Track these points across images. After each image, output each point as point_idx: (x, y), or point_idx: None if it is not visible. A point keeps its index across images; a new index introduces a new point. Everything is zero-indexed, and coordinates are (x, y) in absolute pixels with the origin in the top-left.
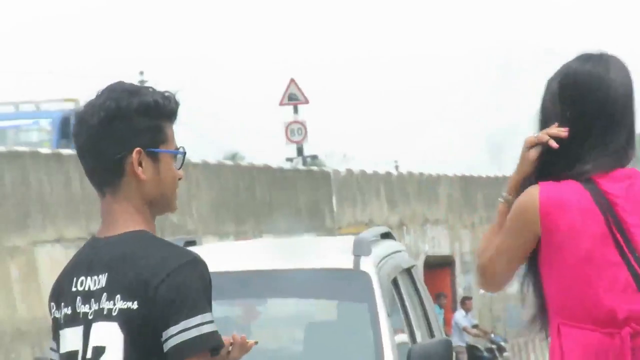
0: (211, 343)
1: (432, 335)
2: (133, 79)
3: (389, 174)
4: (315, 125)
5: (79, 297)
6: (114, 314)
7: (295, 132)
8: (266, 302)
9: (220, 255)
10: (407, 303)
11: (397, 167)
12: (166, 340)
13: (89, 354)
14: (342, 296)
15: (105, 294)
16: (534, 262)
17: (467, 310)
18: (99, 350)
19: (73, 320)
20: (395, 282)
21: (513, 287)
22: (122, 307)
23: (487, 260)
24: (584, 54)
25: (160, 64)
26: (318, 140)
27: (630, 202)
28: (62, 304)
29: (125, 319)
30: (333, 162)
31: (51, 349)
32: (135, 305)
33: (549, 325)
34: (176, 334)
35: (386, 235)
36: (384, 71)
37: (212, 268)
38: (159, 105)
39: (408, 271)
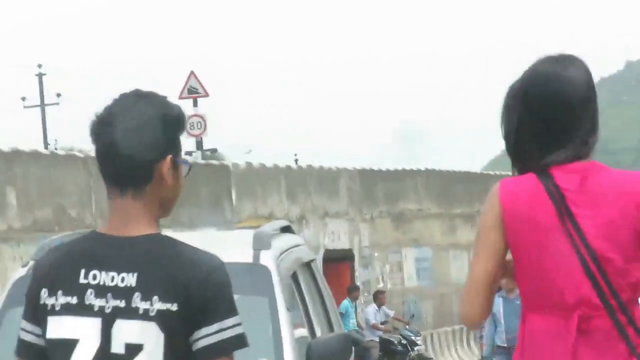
0: (243, 344)
1: (331, 329)
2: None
3: (289, 167)
4: (215, 118)
5: (90, 290)
6: (152, 314)
7: (195, 125)
8: None
9: None
10: (306, 297)
11: (296, 161)
12: (201, 338)
13: (117, 349)
14: (241, 290)
15: (138, 293)
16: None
17: (381, 304)
18: (135, 348)
19: (80, 310)
20: (295, 276)
21: (412, 281)
22: (161, 308)
23: (474, 282)
24: (545, 56)
25: (61, 54)
26: (218, 133)
27: (583, 194)
28: (60, 291)
29: (164, 320)
30: (237, 155)
31: (24, 329)
32: (175, 307)
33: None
34: (212, 334)
35: (286, 229)
36: (285, 66)
37: None
38: (184, 119)
39: (308, 265)
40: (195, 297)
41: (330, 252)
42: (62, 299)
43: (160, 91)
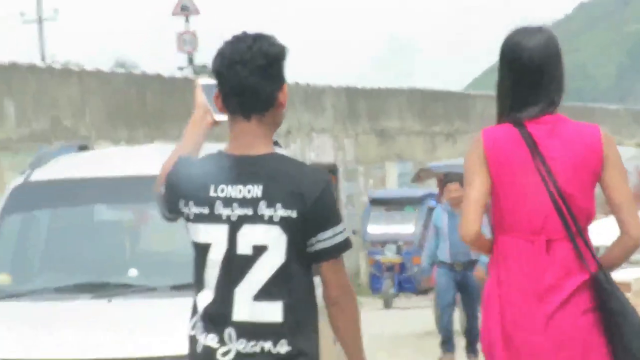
0: (350, 246)
1: None
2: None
3: None
4: (206, 35)
5: (218, 201)
6: (275, 220)
7: (187, 42)
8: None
9: (112, 160)
10: None
11: None
12: (318, 242)
13: (243, 250)
14: None
15: (263, 201)
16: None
17: None
18: (260, 248)
19: (208, 219)
20: None
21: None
22: (284, 214)
23: (469, 214)
24: (518, 28)
25: None
26: (209, 50)
27: (552, 140)
28: (192, 202)
29: (286, 224)
30: None
31: (166, 217)
32: (295, 214)
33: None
34: (329, 238)
35: (274, 143)
36: None
37: (104, 172)
38: (287, 53)
39: None
40: (312, 207)
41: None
42: (194, 209)
43: (154, 7)
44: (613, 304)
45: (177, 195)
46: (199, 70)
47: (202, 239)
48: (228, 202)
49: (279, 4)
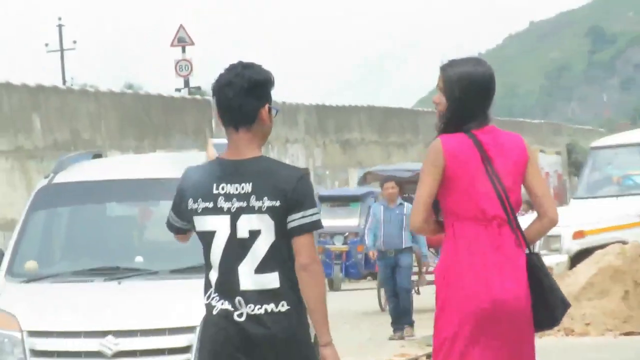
0: (319, 226)
1: None
2: (51, 22)
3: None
4: (199, 62)
5: (220, 197)
6: (264, 209)
7: (183, 67)
8: (159, 204)
9: (122, 165)
10: None
11: None
12: (292, 221)
13: (242, 234)
14: None
15: (253, 195)
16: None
17: None
18: (255, 233)
19: (213, 211)
20: None
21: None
22: (269, 205)
23: (420, 204)
24: (469, 58)
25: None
26: (203, 74)
27: (495, 146)
28: (200, 199)
29: (272, 212)
30: None
31: (174, 220)
32: (278, 203)
33: (444, 223)
34: (300, 218)
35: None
36: (259, 18)
37: (115, 176)
38: (273, 80)
39: None
40: (290, 196)
41: None
42: (202, 205)
43: (156, 39)
44: (544, 280)
45: (187, 197)
46: (194, 92)
47: (208, 227)
48: (228, 197)
49: (261, 34)
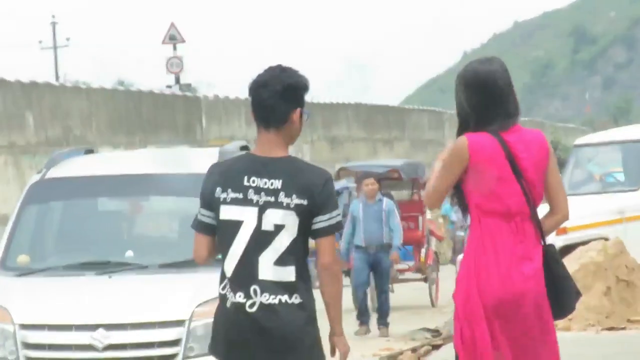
0: (340, 227)
1: None
2: (45, 21)
3: (247, 99)
4: (190, 60)
5: (250, 189)
6: (291, 206)
7: (174, 65)
8: (149, 199)
9: (113, 161)
10: None
11: None
12: (318, 222)
13: (267, 227)
14: None
15: (282, 192)
16: (457, 185)
17: None
18: (279, 227)
19: (242, 202)
20: None
21: None
22: (297, 202)
23: (431, 186)
24: (480, 58)
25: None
26: (193, 71)
27: (520, 144)
28: (230, 189)
29: (298, 210)
30: (205, 88)
31: (204, 215)
32: (305, 202)
33: (470, 217)
34: (327, 219)
35: (245, 148)
36: (249, 16)
37: (106, 171)
38: (309, 86)
39: None
40: (317, 197)
41: None
42: (232, 194)
43: (148, 36)
44: (560, 271)
45: (215, 185)
46: (184, 89)
47: (236, 216)
48: (258, 190)
49: (253, 32)
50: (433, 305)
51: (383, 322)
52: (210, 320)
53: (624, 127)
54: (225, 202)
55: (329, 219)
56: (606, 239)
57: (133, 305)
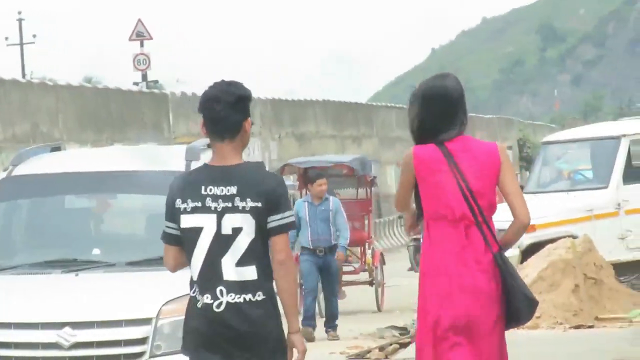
0: (294, 227)
1: None
2: (10, 17)
3: None
4: (157, 57)
5: (208, 197)
6: (247, 209)
7: (141, 61)
8: (116, 196)
9: (80, 158)
10: None
11: None
12: (272, 221)
13: (225, 231)
14: None
15: (238, 197)
16: (416, 190)
17: None
18: (237, 230)
19: (202, 210)
20: None
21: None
22: (252, 205)
23: (398, 197)
24: (435, 74)
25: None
26: (160, 68)
27: (464, 153)
28: (189, 200)
29: (254, 212)
30: (172, 85)
31: (169, 227)
32: (260, 204)
33: (424, 222)
34: (279, 219)
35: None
36: (216, 12)
37: (73, 168)
38: (251, 96)
39: None
40: (270, 199)
41: None
42: (191, 204)
43: (115, 33)
44: (508, 279)
45: (175, 197)
46: (151, 86)
47: (196, 224)
48: (215, 198)
49: (221, 30)
50: (379, 309)
51: (332, 325)
52: (178, 318)
53: (592, 124)
54: (185, 211)
55: (282, 218)
56: (575, 237)
57: (100, 303)
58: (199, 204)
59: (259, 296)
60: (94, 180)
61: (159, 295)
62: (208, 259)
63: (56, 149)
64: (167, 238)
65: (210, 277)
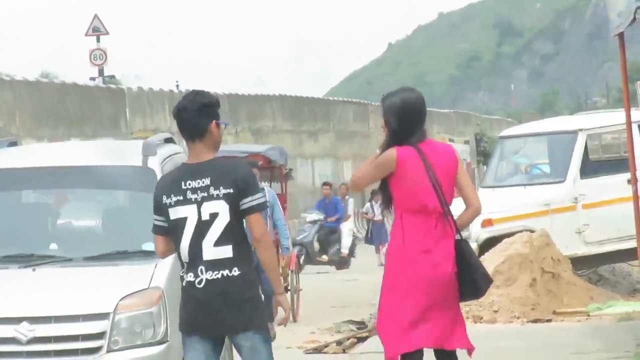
0: (265, 207)
1: None
2: None
3: (171, 91)
4: (114, 52)
5: (188, 191)
6: (221, 196)
7: (98, 57)
8: (73, 191)
9: (37, 153)
10: None
11: (177, 86)
12: (244, 204)
13: (205, 217)
14: (133, 187)
15: (212, 187)
16: (384, 183)
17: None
18: (214, 215)
19: (184, 202)
20: None
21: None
22: (225, 192)
23: (361, 176)
24: (402, 87)
25: None
26: (117, 63)
27: (432, 153)
28: (172, 195)
29: (227, 198)
30: (130, 80)
31: (157, 219)
32: (231, 190)
33: (394, 213)
34: (250, 201)
35: (169, 140)
36: (176, 8)
37: (30, 163)
38: (219, 102)
39: None
40: (240, 185)
41: None
42: (174, 198)
43: (71, 28)
44: (472, 260)
45: (161, 194)
46: (108, 81)
47: (181, 215)
48: (194, 190)
49: (178, 24)
50: (294, 319)
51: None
52: (135, 312)
53: (549, 118)
54: (171, 205)
55: (252, 200)
56: (532, 231)
57: (57, 298)
58: (181, 197)
59: (235, 272)
60: (51, 175)
61: (116, 290)
62: (192, 243)
63: (12, 144)
64: (156, 229)
65: (193, 258)
